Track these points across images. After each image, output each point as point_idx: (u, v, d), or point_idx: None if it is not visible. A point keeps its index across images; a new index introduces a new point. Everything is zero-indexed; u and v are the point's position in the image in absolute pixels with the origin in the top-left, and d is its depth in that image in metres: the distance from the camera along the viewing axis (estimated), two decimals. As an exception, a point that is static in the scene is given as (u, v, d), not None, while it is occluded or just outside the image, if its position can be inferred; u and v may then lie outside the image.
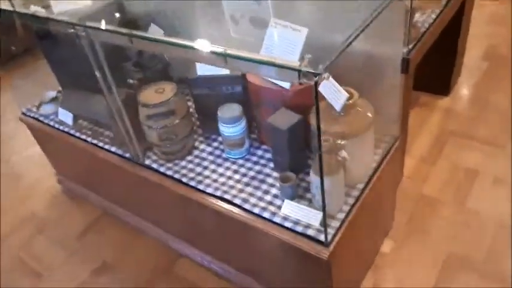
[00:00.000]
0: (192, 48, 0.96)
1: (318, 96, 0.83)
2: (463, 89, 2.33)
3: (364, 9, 1.23)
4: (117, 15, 1.64)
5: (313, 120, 1.19)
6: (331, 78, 0.83)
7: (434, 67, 2.15)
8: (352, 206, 1.20)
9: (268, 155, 1.40)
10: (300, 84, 0.84)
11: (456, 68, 2.22)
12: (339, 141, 1.06)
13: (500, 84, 2.31)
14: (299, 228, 1.15)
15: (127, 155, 1.52)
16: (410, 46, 1.27)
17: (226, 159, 1.42)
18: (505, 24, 2.78)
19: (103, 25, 1.18)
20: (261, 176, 1.34)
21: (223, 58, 0.91)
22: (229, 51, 0.90)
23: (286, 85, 1.26)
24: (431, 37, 1.44)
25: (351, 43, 0.88)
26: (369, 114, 1.21)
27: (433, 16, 1.48)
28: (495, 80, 2.35)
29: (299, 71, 0.82)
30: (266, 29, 1.30)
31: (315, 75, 0.80)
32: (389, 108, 1.36)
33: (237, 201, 1.26)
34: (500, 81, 2.33)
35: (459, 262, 1.56)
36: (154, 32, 1.55)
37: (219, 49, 0.92)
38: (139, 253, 1.79)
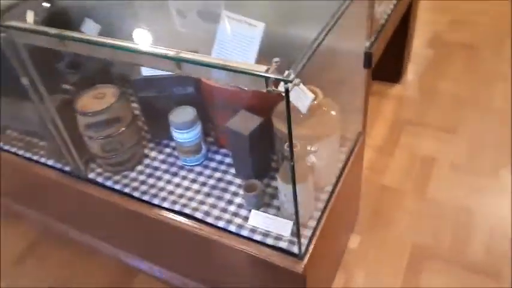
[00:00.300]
0: (139, 52, 0.82)
1: (289, 105, 0.73)
2: (413, 76, 2.34)
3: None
4: (46, 4, 1.43)
5: (277, 124, 1.10)
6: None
7: (385, 55, 2.12)
8: (323, 211, 1.13)
9: (228, 160, 1.29)
10: (268, 92, 0.73)
11: (406, 55, 2.22)
12: (309, 148, 0.97)
13: (447, 70, 2.34)
14: (269, 241, 1.06)
15: (67, 168, 1.35)
16: (372, 39, 1.20)
17: (181, 167, 1.29)
18: (446, 10, 2.82)
19: (29, 19, 1.01)
20: (222, 184, 1.22)
21: (176, 63, 0.78)
22: (183, 55, 0.77)
23: (244, 84, 1.15)
24: (391, 28, 1.39)
25: (320, 43, 0.79)
26: (334, 113, 1.13)
27: (391, 6, 1.43)
28: (442, 66, 2.38)
29: (266, 78, 0.71)
30: (217, 23, 1.18)
31: (286, 82, 0.70)
32: (352, 104, 1.30)
33: (198, 215, 1.14)
34: (446, 67, 2.36)
35: (425, 252, 1.55)
36: (90, 28, 1.37)
37: (170, 52, 0.79)
38: (91, 273, 1.62)
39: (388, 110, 2.14)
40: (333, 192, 1.18)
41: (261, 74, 0.71)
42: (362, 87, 1.28)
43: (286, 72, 0.71)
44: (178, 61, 0.78)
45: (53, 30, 0.90)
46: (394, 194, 1.76)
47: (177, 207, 1.17)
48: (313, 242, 1.06)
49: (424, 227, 1.63)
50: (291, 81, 0.70)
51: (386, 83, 2.30)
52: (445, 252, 1.54)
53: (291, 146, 0.80)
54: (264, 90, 0.73)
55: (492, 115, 2.04)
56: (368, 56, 1.20)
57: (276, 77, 0.70)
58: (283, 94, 0.72)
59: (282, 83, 0.72)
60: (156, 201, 1.20)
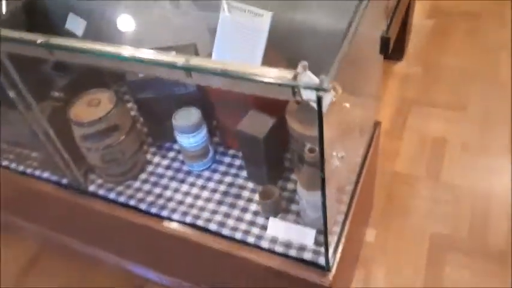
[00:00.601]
0: (139, 61, 0.72)
1: (322, 117, 0.64)
2: (415, 51, 2.24)
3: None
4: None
5: (292, 123, 1.00)
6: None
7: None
8: (346, 214, 1.05)
9: (238, 161, 1.20)
10: (297, 102, 0.64)
11: (408, 29, 2.11)
12: (335, 153, 0.88)
13: (449, 42, 2.24)
14: (293, 252, 0.98)
15: (64, 181, 1.25)
16: (388, 22, 1.10)
17: (188, 173, 1.20)
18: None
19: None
20: (234, 190, 1.14)
21: (186, 72, 0.68)
22: (194, 62, 0.67)
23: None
24: (403, 8, 1.28)
25: (351, 41, 0.69)
26: (352, 107, 1.04)
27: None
28: (444, 38, 2.28)
29: (294, 86, 0.61)
30: (215, 12, 1.06)
31: (319, 90, 0.61)
32: (368, 93, 1.21)
33: (212, 227, 1.06)
34: (448, 39, 2.26)
35: (444, 242, 1.49)
36: (74, 24, 1.25)
37: (179, 60, 0.68)
38: (97, 283, 1.54)
39: (393, 90, 2.05)
40: (354, 191, 1.10)
41: (289, 83, 0.61)
42: (378, 74, 1.19)
43: (318, 78, 0.62)
44: (188, 70, 0.68)
45: (38, 39, 0.79)
46: (407, 180, 1.69)
47: (188, 220, 1.08)
48: (339, 250, 0.99)
49: (441, 215, 1.57)
50: (325, 90, 0.61)
51: (388, 60, 2.20)
52: (465, 242, 1.48)
53: (322, 162, 0.71)
54: (292, 100, 0.64)
55: (500, 88, 1.96)
56: (385, 41, 1.10)
57: (308, 86, 0.60)
58: (315, 104, 0.63)
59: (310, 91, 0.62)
60: (165, 213, 1.11)
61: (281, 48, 1.08)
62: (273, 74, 0.63)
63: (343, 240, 1.01)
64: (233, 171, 1.18)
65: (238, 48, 1.05)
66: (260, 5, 1.02)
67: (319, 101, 0.61)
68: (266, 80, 0.62)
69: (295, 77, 0.62)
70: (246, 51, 1.04)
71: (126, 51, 0.72)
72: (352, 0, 0.90)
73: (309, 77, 0.62)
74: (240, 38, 1.05)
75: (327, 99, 0.65)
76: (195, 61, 0.67)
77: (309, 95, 0.62)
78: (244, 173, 1.17)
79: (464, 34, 2.27)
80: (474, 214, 1.55)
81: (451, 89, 2.01)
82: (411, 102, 1.98)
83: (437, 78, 2.07)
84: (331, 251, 0.97)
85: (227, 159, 1.22)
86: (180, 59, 0.68)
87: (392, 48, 2.13)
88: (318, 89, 0.61)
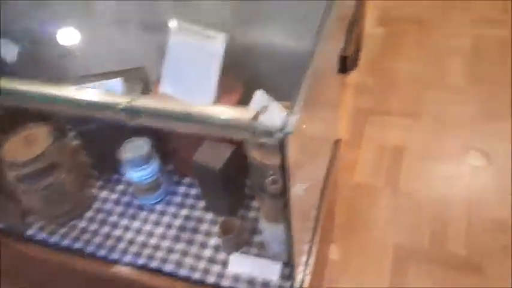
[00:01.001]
0: (76, 103, 0.62)
1: (286, 160, 0.57)
2: (368, 60, 2.24)
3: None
4: None
5: (252, 151, 0.93)
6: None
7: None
8: (312, 240, 1.00)
9: (194, 191, 1.12)
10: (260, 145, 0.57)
11: (360, 38, 2.11)
12: (299, 185, 0.82)
13: (400, 50, 2.27)
14: (257, 291, 0.92)
15: (-1, 224, 1.11)
16: (345, 40, 1.06)
17: (140, 207, 1.10)
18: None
19: None
20: (191, 223, 1.05)
21: (129, 115, 0.60)
22: (137, 103, 0.59)
23: (205, 103, 0.97)
24: (361, 24, 1.25)
25: (314, 72, 0.63)
26: (314, 132, 0.99)
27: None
28: (395, 45, 2.30)
29: (254, 128, 0.55)
30: (164, 33, 0.99)
31: (282, 132, 0.54)
32: (329, 112, 1.16)
33: (168, 267, 0.97)
34: (399, 46, 2.29)
35: (407, 252, 1.49)
36: (6, 50, 1.12)
37: (121, 100, 0.60)
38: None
39: (349, 100, 2.04)
40: (318, 216, 1.05)
41: (247, 126, 0.55)
42: (336, 92, 1.15)
43: (281, 119, 0.56)
44: (131, 113, 0.59)
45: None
46: (367, 191, 1.68)
47: (141, 261, 0.99)
48: (307, 281, 0.93)
49: (402, 224, 1.56)
50: (289, 133, 0.54)
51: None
52: (426, 251, 1.48)
53: (288, 202, 0.64)
54: (252, 143, 0.57)
55: (450, 93, 2.01)
56: (343, 61, 1.06)
57: (269, 130, 0.54)
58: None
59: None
60: (115, 255, 1.01)
61: (238, 70, 1.01)
62: (229, 115, 0.57)
63: (310, 270, 0.95)
64: (190, 201, 1.10)
65: (191, 73, 0.98)
66: (214, 25, 0.95)
67: (281, 145, 0.55)
68: (220, 122, 0.55)
69: (255, 117, 0.55)
70: (199, 77, 0.97)
71: (59, 91, 0.62)
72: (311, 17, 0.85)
73: (269, 117, 0.56)
74: (192, 62, 0.97)
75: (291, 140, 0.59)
76: (141, 102, 0.59)
77: (270, 140, 0.56)
78: (201, 204, 1.09)
79: (414, 41, 2.30)
80: (434, 222, 1.56)
81: (405, 96, 2.03)
82: (367, 112, 1.98)
83: (391, 87, 2.09)
84: (298, 283, 0.91)
85: (182, 189, 1.13)
86: (122, 100, 0.59)
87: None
88: (282, 131, 0.54)
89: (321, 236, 1.14)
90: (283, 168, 0.59)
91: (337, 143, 1.23)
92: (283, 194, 0.69)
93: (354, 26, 1.18)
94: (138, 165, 1.01)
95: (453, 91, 2.01)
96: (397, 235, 1.53)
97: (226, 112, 0.56)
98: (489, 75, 2.05)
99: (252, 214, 1.06)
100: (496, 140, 1.79)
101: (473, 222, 1.53)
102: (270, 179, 0.83)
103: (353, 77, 2.16)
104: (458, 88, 2.02)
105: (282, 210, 0.84)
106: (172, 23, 0.98)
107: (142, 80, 1.07)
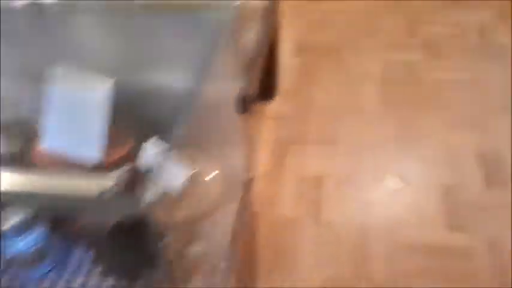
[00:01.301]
0: None
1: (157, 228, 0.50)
2: (285, 90, 2.24)
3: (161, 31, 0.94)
4: None
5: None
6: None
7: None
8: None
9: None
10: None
11: (276, 69, 2.12)
12: (194, 248, 0.75)
13: (316, 79, 2.31)
14: None
15: None
16: (244, 79, 1.03)
17: (24, 284, 0.96)
18: (306, 14, 2.77)
19: None
20: (88, 291, 0.94)
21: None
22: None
23: (92, 158, 0.88)
24: (262, 56, 1.23)
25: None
26: (217, 176, 0.94)
27: (253, 31, 1.27)
28: (311, 75, 2.34)
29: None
30: (44, 82, 0.89)
31: (144, 204, 0.48)
32: (234, 152, 1.12)
33: None
34: (314, 76, 2.33)
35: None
36: None
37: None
38: None
39: (268, 131, 2.03)
40: (231, 267, 0.99)
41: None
42: (242, 131, 1.11)
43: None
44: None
45: None
46: (289, 225, 1.64)
47: None
48: None
49: (326, 258, 1.54)
50: (150, 204, 0.47)
51: (261, 100, 2.17)
52: (352, 283, 1.46)
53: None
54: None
55: (365, 118, 2.06)
56: (242, 101, 1.02)
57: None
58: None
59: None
60: None
61: (129, 117, 0.93)
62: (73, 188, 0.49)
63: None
64: (84, 267, 0.98)
65: (74, 125, 0.88)
66: (99, 69, 0.87)
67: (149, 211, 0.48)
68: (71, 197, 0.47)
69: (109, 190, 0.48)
70: (84, 129, 0.88)
71: None
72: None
73: (166, 172, 0.49)
74: (76, 112, 0.88)
75: (176, 172, 0.52)
76: None
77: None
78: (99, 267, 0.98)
79: (329, 69, 2.36)
80: (355, 251, 1.55)
81: (322, 125, 2.05)
82: (288, 142, 1.97)
83: (309, 115, 2.10)
84: None
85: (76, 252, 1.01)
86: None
87: (263, 89, 2.13)
88: (144, 202, 0.47)
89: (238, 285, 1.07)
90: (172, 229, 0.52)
91: (249, 182, 1.19)
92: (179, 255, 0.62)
93: (255, 63, 1.15)
94: (15, 235, 0.88)
95: (368, 116, 2.07)
96: (323, 269, 1.49)
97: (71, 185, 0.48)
98: (400, 98, 2.14)
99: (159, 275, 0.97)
100: (411, 161, 1.85)
101: (393, 250, 1.54)
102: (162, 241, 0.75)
103: (272, 106, 2.15)
104: (372, 113, 2.08)
105: (183, 272, 0.77)
106: (53, 70, 0.89)
107: (23, 134, 0.96)
